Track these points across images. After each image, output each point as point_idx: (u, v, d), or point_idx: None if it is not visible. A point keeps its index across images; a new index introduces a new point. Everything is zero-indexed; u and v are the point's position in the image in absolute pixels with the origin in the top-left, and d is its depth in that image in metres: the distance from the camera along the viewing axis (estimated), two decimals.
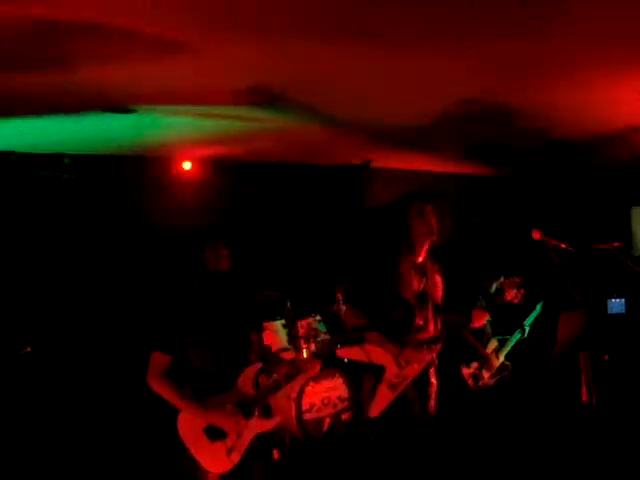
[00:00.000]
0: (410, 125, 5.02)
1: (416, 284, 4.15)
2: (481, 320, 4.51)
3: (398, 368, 3.96)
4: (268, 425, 3.38)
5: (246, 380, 3.39)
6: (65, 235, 5.43)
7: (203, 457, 3.28)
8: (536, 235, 4.44)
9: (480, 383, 5.16)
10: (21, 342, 4.81)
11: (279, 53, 3.26)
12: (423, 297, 4.17)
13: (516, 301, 5.18)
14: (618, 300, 4.20)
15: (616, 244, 4.70)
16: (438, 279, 4.34)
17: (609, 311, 4.18)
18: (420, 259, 4.20)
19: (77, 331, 5.35)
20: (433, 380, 4.14)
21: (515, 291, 5.17)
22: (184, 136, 5.12)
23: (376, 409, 3.98)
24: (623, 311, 4.17)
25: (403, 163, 7.15)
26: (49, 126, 4.53)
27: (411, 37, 3.14)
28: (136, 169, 5.78)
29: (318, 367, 3.51)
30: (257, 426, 3.34)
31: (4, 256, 5.17)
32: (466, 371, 5.18)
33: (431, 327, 4.16)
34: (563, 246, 4.47)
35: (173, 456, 3.38)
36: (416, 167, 7.41)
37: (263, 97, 3.98)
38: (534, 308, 5.60)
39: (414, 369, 3.98)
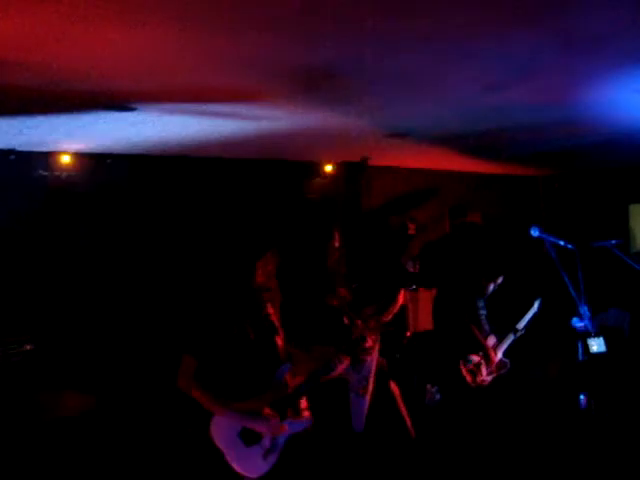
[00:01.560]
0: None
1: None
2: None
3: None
4: (302, 425, 3.40)
5: (278, 383, 3.39)
6: (70, 233, 5.44)
7: (239, 462, 3.23)
8: (534, 232, 4.46)
9: (478, 380, 5.18)
10: (21, 340, 4.82)
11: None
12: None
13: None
14: (597, 339, 4.20)
15: (614, 241, 4.72)
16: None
17: (590, 350, 4.19)
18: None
19: (79, 330, 5.35)
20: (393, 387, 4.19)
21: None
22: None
23: (358, 421, 4.00)
24: (604, 350, 4.19)
25: (400, 161, 7.16)
26: (48, 124, 4.53)
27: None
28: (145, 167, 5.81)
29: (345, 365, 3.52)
30: (292, 427, 3.35)
31: (7, 255, 5.18)
32: (465, 367, 5.20)
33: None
34: (561, 243, 4.49)
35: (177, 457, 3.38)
36: (413, 165, 7.42)
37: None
38: (532, 305, 5.62)
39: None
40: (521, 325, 5.52)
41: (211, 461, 3.29)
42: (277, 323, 3.51)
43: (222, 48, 3.20)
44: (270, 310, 3.50)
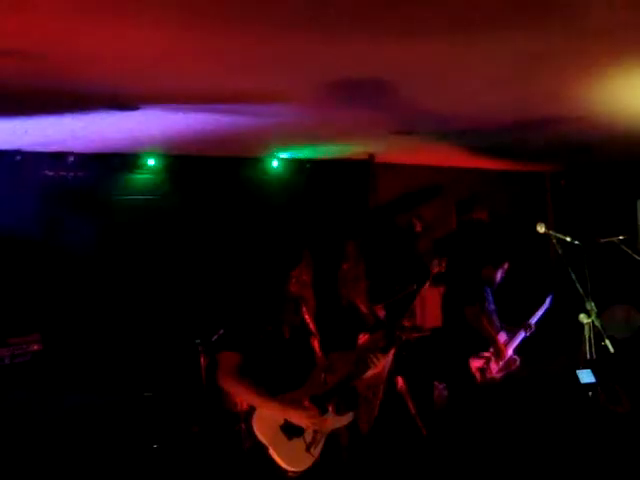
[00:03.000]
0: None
1: None
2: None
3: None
4: (343, 421, 3.40)
5: (317, 377, 3.40)
6: (78, 233, 5.45)
7: (282, 455, 3.22)
8: (540, 229, 4.44)
9: (487, 376, 5.16)
10: (29, 340, 4.83)
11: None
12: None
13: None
14: (586, 370, 4.22)
15: (621, 237, 4.70)
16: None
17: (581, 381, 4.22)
18: None
19: (88, 329, 5.36)
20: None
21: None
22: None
23: (364, 424, 4.00)
24: (593, 380, 4.20)
25: (407, 158, 7.14)
26: (54, 124, 4.54)
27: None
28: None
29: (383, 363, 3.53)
30: (333, 422, 3.35)
31: (14, 256, 5.20)
32: (474, 364, 5.17)
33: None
34: (568, 239, 4.48)
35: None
36: (420, 162, 7.40)
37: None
38: (543, 302, 5.58)
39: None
40: (532, 321, 5.49)
41: (217, 458, 3.31)
42: (313, 328, 3.53)
43: (237, 47, 3.20)
44: (306, 316, 3.52)
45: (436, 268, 4.06)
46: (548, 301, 5.59)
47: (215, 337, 4.84)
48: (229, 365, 3.35)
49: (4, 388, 4.58)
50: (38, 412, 4.69)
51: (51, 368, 4.90)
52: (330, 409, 3.36)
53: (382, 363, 3.53)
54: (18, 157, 5.18)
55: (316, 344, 3.52)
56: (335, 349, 3.61)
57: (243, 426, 3.35)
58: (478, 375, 5.14)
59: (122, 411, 5.09)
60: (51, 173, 5.36)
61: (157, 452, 4.95)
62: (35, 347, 4.82)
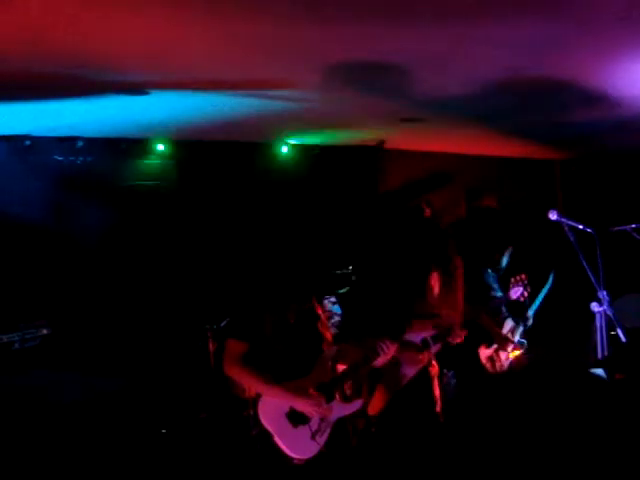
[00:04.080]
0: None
1: None
2: None
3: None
4: (350, 409, 3.41)
5: (324, 364, 3.38)
6: (86, 217, 5.44)
7: (287, 443, 3.24)
8: (553, 216, 4.41)
9: (497, 366, 5.14)
10: (38, 324, 4.83)
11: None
12: None
13: (522, 299, 5.14)
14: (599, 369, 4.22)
15: (634, 225, 4.66)
16: None
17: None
18: None
19: (96, 313, 5.36)
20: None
21: (521, 289, 5.15)
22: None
23: (375, 407, 3.99)
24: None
25: (417, 144, 7.10)
26: (62, 109, 4.52)
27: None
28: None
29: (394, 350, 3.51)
30: (339, 409, 3.36)
31: (22, 240, 5.20)
32: (484, 354, 5.15)
33: None
34: (580, 227, 4.44)
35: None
36: (430, 149, 7.36)
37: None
38: (547, 280, 5.52)
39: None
40: (535, 305, 5.44)
41: (224, 445, 3.31)
42: (322, 314, 3.52)
43: (249, 32, 3.17)
44: (314, 301, 3.52)
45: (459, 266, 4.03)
46: (551, 279, 5.51)
47: (224, 323, 4.84)
48: (234, 353, 3.36)
49: (15, 372, 4.60)
50: (44, 398, 4.72)
51: (60, 353, 4.91)
52: (337, 397, 3.36)
53: (392, 350, 3.52)
54: (27, 142, 5.16)
55: (324, 330, 3.51)
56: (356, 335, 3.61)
57: (252, 412, 3.36)
58: (489, 365, 5.11)
59: (130, 396, 5.11)
60: (60, 158, 5.35)
61: (165, 437, 4.96)
62: (44, 332, 4.82)
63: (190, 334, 5.28)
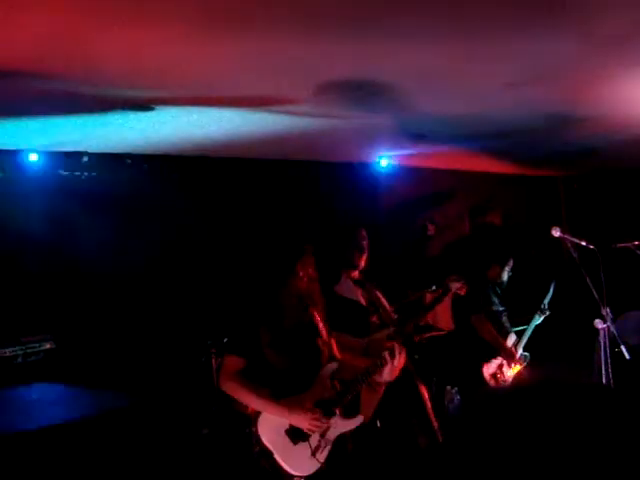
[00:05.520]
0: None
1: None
2: None
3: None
4: (351, 424, 3.36)
5: (323, 380, 3.36)
6: (90, 232, 5.45)
7: (288, 460, 3.20)
8: (556, 233, 4.41)
9: (500, 380, 5.13)
10: (41, 339, 4.83)
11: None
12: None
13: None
14: None
15: (637, 242, 4.66)
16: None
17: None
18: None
19: (100, 329, 5.36)
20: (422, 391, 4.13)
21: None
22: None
23: (366, 413, 3.96)
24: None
25: (420, 161, 7.11)
26: (68, 125, 4.55)
27: None
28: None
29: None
30: (340, 425, 3.32)
31: (26, 254, 5.21)
32: (487, 371, 5.14)
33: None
34: (583, 244, 4.44)
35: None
36: (433, 165, 7.37)
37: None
38: (548, 290, 5.52)
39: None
40: (543, 310, 5.42)
41: (226, 462, 3.28)
42: (322, 327, 3.48)
43: (254, 51, 3.20)
44: (315, 314, 3.48)
45: (455, 288, 3.96)
46: (552, 288, 5.51)
47: (226, 339, 4.84)
48: (230, 368, 3.32)
49: (17, 385, 4.59)
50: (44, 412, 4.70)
51: (63, 368, 4.90)
52: (337, 412, 3.32)
53: (402, 359, 3.43)
54: (33, 157, 5.19)
55: (322, 344, 3.46)
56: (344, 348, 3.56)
57: (254, 429, 3.33)
58: (492, 382, 5.10)
59: (133, 411, 5.08)
60: (65, 173, 5.37)
61: (167, 453, 4.94)
62: (48, 346, 4.82)
63: (193, 350, 5.27)
